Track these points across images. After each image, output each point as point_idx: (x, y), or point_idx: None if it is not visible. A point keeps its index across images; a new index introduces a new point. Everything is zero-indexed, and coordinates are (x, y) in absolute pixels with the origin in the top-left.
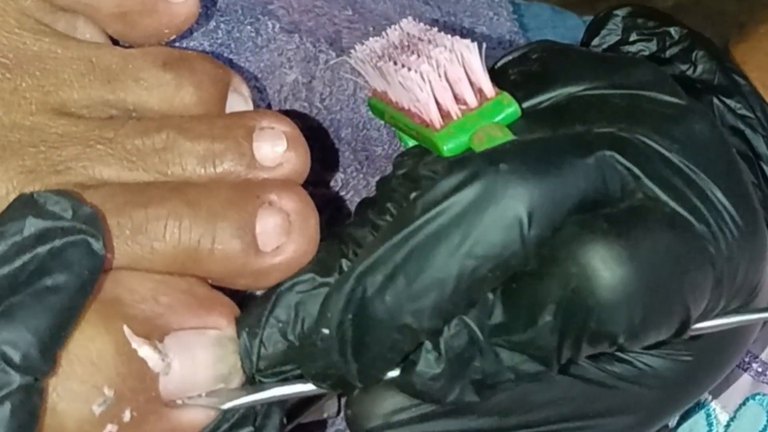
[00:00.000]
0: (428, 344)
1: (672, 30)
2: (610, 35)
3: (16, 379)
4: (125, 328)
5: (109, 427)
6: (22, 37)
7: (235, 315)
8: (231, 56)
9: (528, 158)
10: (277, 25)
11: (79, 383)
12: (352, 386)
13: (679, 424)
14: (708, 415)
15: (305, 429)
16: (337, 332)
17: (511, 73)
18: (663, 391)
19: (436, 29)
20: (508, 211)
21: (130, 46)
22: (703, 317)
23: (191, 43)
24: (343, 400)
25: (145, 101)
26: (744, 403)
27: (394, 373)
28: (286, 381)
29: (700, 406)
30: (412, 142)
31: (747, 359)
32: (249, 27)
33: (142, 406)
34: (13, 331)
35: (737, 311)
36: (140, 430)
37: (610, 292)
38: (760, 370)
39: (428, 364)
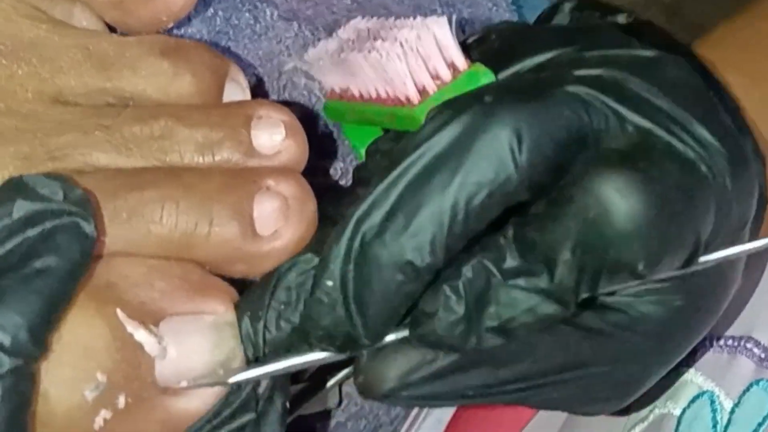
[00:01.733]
0: (447, 288)
1: (619, 17)
2: None
3: (6, 362)
4: (119, 311)
5: (103, 413)
6: (18, 24)
7: (234, 300)
8: (229, 43)
9: (511, 90)
10: (276, 13)
11: (70, 369)
12: (359, 345)
13: (683, 411)
14: (712, 402)
15: (307, 421)
16: (341, 282)
17: (473, 54)
18: (657, 338)
19: (392, 19)
20: (497, 137)
21: (128, 34)
22: (704, 250)
23: (189, 30)
24: (344, 389)
25: (142, 90)
26: (748, 389)
27: (401, 334)
28: (298, 352)
29: (703, 393)
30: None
31: (749, 345)
32: (247, 14)
33: (137, 393)
34: (2, 315)
35: (739, 244)
36: (135, 417)
37: (628, 221)
38: (762, 356)
39: (448, 307)
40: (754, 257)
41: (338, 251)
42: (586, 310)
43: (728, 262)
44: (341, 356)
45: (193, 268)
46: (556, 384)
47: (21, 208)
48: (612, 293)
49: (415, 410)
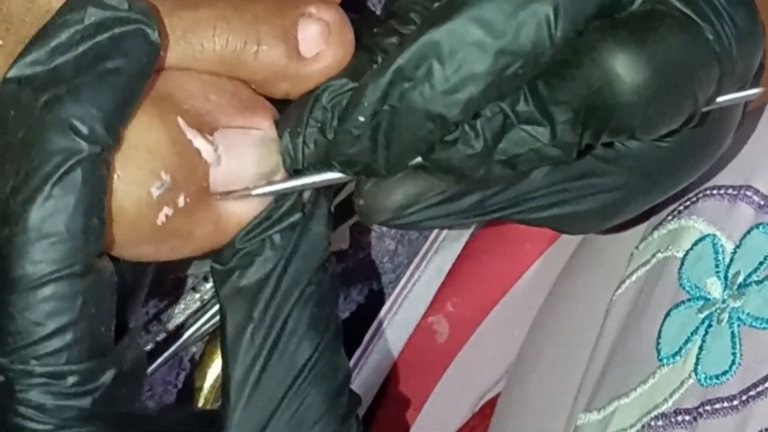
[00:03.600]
0: (466, 126)
1: None
2: None
3: (85, 147)
4: (179, 119)
5: (166, 210)
6: None
7: (276, 118)
8: None
9: None
10: None
11: (138, 168)
12: (377, 173)
13: (686, 254)
14: (714, 244)
15: None
16: (372, 120)
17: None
18: (640, 174)
19: None
20: (538, 12)
21: None
22: (707, 105)
23: None
24: (355, 235)
25: None
26: (749, 232)
27: (415, 161)
28: (317, 171)
29: (705, 236)
30: None
31: (749, 193)
32: None
33: (194, 194)
34: (80, 107)
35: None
36: (192, 217)
37: (630, 95)
38: (762, 202)
39: (467, 142)
40: (755, 109)
41: (375, 92)
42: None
43: (723, 114)
44: (355, 178)
45: (242, 86)
46: (540, 206)
47: (92, 14)
48: None
49: (417, 259)
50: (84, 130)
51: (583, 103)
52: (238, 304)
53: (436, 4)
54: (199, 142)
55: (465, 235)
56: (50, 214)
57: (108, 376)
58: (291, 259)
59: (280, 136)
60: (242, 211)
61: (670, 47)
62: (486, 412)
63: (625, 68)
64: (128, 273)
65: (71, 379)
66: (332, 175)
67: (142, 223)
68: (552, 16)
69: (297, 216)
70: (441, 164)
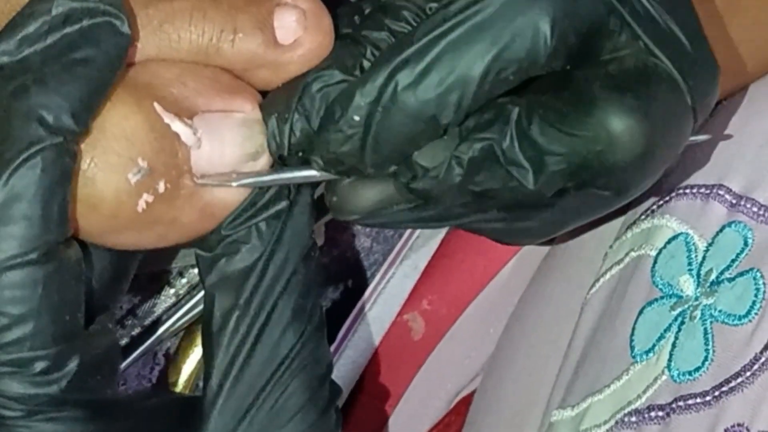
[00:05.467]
0: (454, 160)
1: None
2: None
3: (47, 138)
4: (156, 105)
5: (145, 196)
6: None
7: (258, 101)
8: None
9: None
10: None
11: (115, 155)
12: (360, 174)
13: (659, 252)
14: (687, 242)
15: None
16: (366, 119)
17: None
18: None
19: None
20: (536, 22)
21: None
22: None
23: None
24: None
25: None
26: (721, 231)
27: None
28: (297, 167)
29: (678, 235)
30: None
31: (721, 192)
32: None
33: (175, 180)
34: (46, 96)
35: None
36: (174, 203)
37: (629, 161)
38: (734, 201)
39: (450, 175)
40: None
41: (370, 91)
42: None
43: None
44: (335, 177)
45: (222, 72)
46: (489, 220)
47: (59, 5)
48: None
49: (392, 256)
50: (49, 119)
51: (581, 159)
52: (223, 291)
53: (432, 4)
54: (177, 126)
55: (440, 233)
56: (8, 201)
57: (75, 362)
58: (276, 247)
59: (266, 119)
60: (229, 197)
61: (666, 115)
62: (461, 408)
63: (630, 136)
64: (110, 261)
65: (37, 367)
66: (310, 173)
67: (122, 210)
68: (549, 28)
69: (283, 204)
70: (418, 191)
